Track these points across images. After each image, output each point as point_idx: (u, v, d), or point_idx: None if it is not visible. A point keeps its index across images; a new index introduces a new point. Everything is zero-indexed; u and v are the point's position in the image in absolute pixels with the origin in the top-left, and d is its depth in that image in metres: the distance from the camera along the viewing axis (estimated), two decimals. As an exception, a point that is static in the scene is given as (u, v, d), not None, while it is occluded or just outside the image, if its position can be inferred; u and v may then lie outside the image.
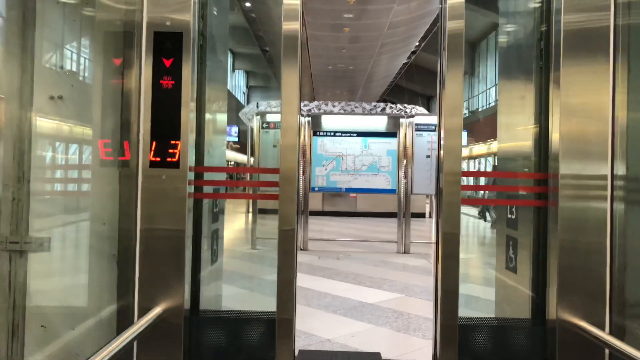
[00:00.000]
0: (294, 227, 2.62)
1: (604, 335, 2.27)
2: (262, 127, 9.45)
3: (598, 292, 2.47)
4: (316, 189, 9.37)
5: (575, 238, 2.50)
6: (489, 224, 14.05)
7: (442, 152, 2.63)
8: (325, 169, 9.56)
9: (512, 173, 3.08)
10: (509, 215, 3.00)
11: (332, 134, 10.69)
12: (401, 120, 9.30)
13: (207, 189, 2.87)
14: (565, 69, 2.53)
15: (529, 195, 2.77)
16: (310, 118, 9.74)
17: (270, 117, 9.61)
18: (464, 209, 2.71)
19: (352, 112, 13.17)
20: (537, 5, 2.78)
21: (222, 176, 3.22)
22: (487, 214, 14.81)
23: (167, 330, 2.54)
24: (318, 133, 10.58)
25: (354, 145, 10.07)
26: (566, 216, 2.51)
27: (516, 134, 3.07)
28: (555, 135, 2.58)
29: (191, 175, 2.61)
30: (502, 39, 3.25)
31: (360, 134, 9.52)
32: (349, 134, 10.73)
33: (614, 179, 2.51)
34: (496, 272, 3.16)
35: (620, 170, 2.50)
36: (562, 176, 2.52)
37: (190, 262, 2.68)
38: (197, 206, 2.79)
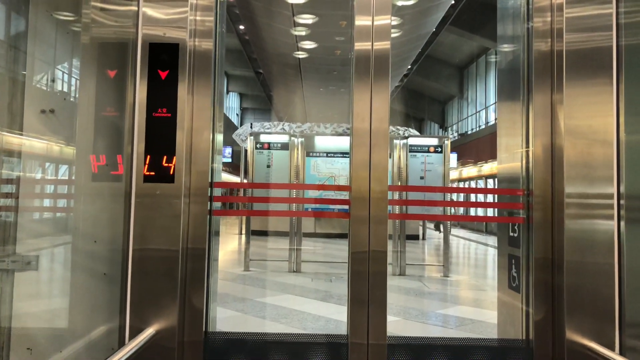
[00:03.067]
0: (366, 249, 2.53)
1: (614, 356, 2.21)
2: (256, 148, 9.39)
3: (607, 312, 2.40)
4: (309, 209, 9.29)
5: (582, 259, 2.44)
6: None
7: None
8: (318, 190, 9.51)
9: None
10: (511, 234, 2.93)
11: (324, 154, 10.65)
12: (395, 141, 9.28)
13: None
14: (568, 90, 2.50)
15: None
16: (303, 139, 9.70)
17: (264, 138, 9.56)
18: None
19: (345, 134, 13.18)
20: (537, 25, 2.74)
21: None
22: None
23: (160, 352, 2.43)
24: (311, 154, 10.53)
25: (346, 166, 10.02)
26: (572, 236, 2.45)
27: (516, 155, 3.01)
28: (558, 155, 2.54)
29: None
30: (500, 61, 3.21)
31: (354, 154, 9.49)
32: (341, 155, 10.70)
33: (621, 198, 2.46)
34: (498, 292, 3.08)
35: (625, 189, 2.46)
36: (567, 195, 2.47)
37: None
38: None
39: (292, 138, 9.52)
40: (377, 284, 2.49)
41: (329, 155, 10.64)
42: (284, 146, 9.40)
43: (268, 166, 9.34)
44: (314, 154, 10.54)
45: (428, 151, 9.19)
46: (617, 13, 2.50)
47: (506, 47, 3.05)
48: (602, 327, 2.39)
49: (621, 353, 2.36)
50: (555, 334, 2.50)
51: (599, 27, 2.50)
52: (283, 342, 2.64)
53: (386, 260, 2.50)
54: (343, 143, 11.24)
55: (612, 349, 2.36)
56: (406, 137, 9.45)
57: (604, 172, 2.46)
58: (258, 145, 9.39)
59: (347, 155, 9.70)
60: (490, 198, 3.54)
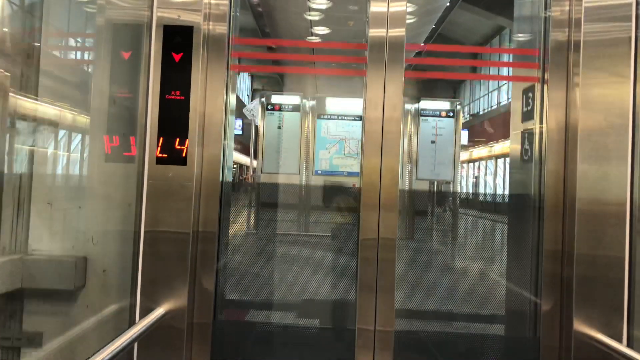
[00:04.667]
0: (375, 236, 2.53)
1: (621, 348, 2.22)
2: (267, 109, 9.27)
3: (615, 304, 2.41)
4: (319, 171, 9.29)
5: (593, 251, 2.43)
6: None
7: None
8: (329, 152, 9.47)
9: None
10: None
11: (336, 117, 10.61)
12: (406, 106, 9.21)
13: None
14: (584, 80, 2.47)
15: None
16: (314, 102, 9.65)
17: (275, 99, 9.46)
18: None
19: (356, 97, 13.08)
20: (555, 14, 2.68)
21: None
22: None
23: (169, 333, 2.47)
24: (322, 116, 10.45)
25: (357, 129, 9.93)
26: (584, 230, 2.44)
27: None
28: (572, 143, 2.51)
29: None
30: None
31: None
32: (352, 118, 10.64)
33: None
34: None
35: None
36: (580, 175, 2.45)
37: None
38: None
39: (304, 100, 9.42)
40: (385, 271, 2.50)
41: (339, 117, 10.60)
42: (295, 108, 9.27)
43: (279, 127, 9.22)
44: (325, 117, 10.49)
45: (440, 115, 9.11)
46: (637, 4, 2.45)
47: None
48: (610, 319, 2.40)
49: (629, 345, 2.37)
50: (563, 325, 2.52)
51: (618, 18, 2.45)
52: (291, 327, 2.67)
53: (395, 247, 2.51)
54: (354, 106, 11.20)
55: (620, 340, 2.37)
56: (418, 101, 9.36)
57: (617, 162, 2.44)
58: (269, 107, 9.26)
59: (357, 119, 9.64)
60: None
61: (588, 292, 2.41)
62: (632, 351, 2.14)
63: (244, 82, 35.88)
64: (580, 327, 2.39)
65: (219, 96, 2.58)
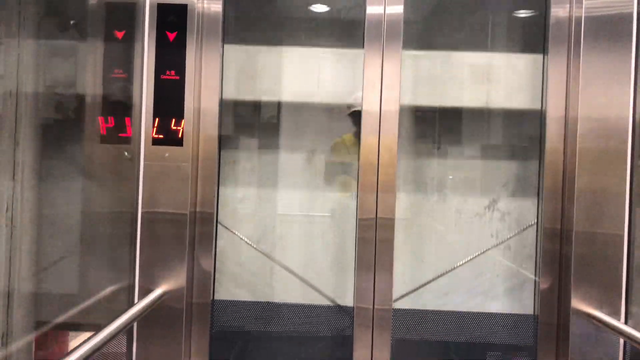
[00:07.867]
0: (373, 216, 2.53)
1: (619, 325, 2.23)
2: None
3: (613, 281, 2.41)
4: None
5: (592, 229, 2.42)
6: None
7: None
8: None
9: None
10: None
11: None
12: None
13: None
14: (585, 57, 2.43)
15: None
16: None
17: None
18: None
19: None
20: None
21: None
22: None
23: (168, 313, 2.48)
24: None
25: None
26: (583, 206, 2.43)
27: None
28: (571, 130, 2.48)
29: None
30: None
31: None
32: None
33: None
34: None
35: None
36: (580, 150, 2.43)
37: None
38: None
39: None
40: (383, 250, 2.51)
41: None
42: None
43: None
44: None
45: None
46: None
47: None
48: (607, 297, 2.41)
49: (626, 322, 2.38)
50: (561, 303, 2.53)
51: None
52: (289, 305, 2.69)
53: (393, 227, 2.50)
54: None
55: (618, 318, 2.38)
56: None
57: (617, 143, 2.42)
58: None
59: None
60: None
61: (586, 269, 2.42)
62: (630, 328, 2.16)
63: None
64: (578, 304, 2.40)
65: (215, 75, 2.57)
